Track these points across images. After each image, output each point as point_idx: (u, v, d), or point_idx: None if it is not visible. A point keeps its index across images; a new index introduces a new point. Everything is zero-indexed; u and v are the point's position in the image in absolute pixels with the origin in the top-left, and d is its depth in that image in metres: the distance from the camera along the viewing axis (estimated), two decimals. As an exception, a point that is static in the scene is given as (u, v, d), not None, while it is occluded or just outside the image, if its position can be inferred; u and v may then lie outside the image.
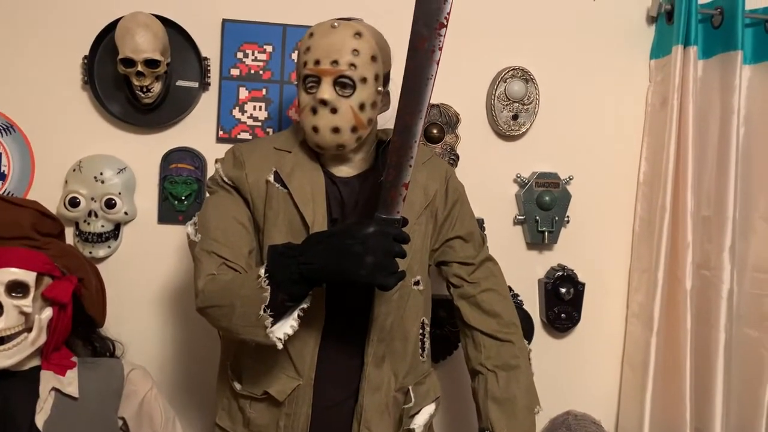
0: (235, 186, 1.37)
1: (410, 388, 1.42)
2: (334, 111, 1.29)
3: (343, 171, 1.40)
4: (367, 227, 1.14)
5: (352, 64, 1.29)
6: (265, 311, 1.16)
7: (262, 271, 1.17)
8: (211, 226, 1.33)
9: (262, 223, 1.36)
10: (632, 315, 2.01)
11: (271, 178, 1.35)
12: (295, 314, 1.20)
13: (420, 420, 1.42)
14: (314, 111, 1.30)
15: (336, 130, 1.30)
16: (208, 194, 1.42)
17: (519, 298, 1.96)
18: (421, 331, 1.45)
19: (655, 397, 1.88)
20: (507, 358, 1.44)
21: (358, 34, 1.30)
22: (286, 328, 1.19)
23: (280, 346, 1.19)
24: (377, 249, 1.13)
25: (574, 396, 1.93)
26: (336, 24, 1.31)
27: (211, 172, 1.78)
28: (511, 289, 1.92)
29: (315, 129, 1.31)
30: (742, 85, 1.88)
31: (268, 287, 1.15)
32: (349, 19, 1.34)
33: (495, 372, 1.43)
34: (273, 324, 1.17)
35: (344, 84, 1.30)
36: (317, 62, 1.29)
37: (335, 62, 1.28)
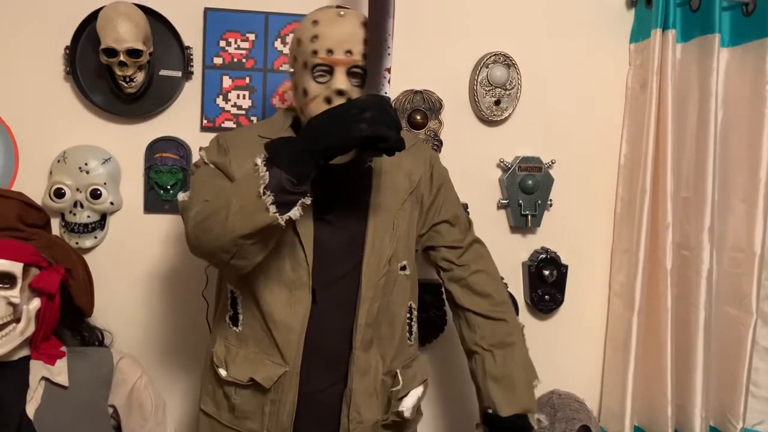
0: (220, 170, 1.36)
1: (398, 371, 1.43)
2: None
3: None
4: (361, 96, 1.21)
5: (364, 54, 1.30)
6: (264, 193, 1.12)
7: (258, 160, 1.14)
8: (202, 189, 1.32)
9: None
10: (614, 295, 2.04)
11: None
12: (298, 206, 1.17)
13: (408, 402, 1.44)
14: (328, 101, 1.30)
15: None
16: (193, 174, 1.40)
17: (503, 281, 1.97)
18: (408, 315, 1.46)
19: (637, 376, 1.92)
20: (501, 337, 1.46)
21: (365, 24, 1.31)
22: (292, 214, 1.17)
23: (282, 222, 1.15)
24: (374, 106, 1.15)
25: (558, 376, 1.96)
26: (342, 12, 1.32)
27: (195, 160, 1.80)
28: (495, 272, 1.94)
29: None
30: (720, 68, 1.90)
31: (267, 171, 1.12)
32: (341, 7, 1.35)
33: (491, 351, 1.45)
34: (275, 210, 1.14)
35: (355, 74, 1.31)
36: (330, 51, 1.28)
37: (349, 52, 1.29)
